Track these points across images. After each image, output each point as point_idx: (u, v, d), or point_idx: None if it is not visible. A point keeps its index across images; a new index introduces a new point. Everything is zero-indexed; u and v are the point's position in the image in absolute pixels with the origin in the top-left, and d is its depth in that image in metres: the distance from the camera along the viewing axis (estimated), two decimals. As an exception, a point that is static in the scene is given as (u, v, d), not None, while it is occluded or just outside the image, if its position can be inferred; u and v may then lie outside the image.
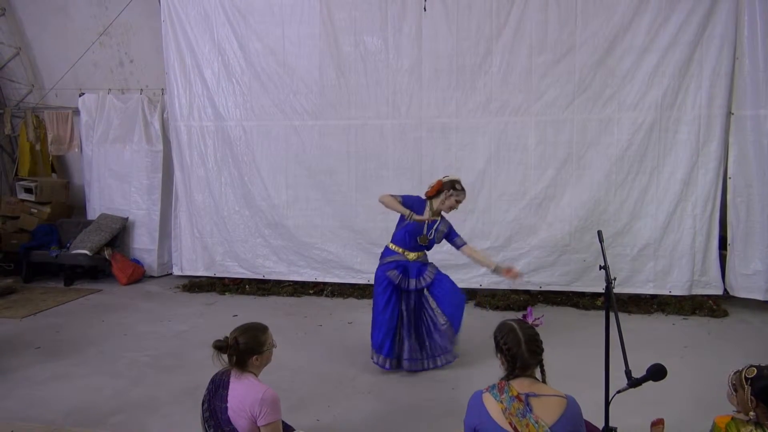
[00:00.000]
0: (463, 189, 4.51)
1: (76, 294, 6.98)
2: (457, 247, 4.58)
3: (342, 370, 4.63)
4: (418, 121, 6.43)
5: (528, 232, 6.26)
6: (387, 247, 4.63)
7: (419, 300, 4.54)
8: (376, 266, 4.63)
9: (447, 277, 4.62)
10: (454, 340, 4.57)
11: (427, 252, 4.67)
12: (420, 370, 4.54)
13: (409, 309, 4.53)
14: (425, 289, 4.52)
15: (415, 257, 4.54)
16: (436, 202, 4.51)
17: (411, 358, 4.51)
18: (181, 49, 6.99)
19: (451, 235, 4.58)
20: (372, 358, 4.56)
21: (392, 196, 4.53)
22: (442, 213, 4.57)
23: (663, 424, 2.86)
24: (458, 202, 4.49)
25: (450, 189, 4.46)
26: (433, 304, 4.50)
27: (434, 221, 4.51)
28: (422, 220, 4.44)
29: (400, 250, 4.55)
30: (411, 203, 4.50)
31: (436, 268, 4.64)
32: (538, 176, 6.20)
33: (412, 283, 4.49)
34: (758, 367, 2.40)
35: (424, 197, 4.56)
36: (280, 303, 6.57)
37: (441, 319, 4.47)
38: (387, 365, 4.50)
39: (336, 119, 6.64)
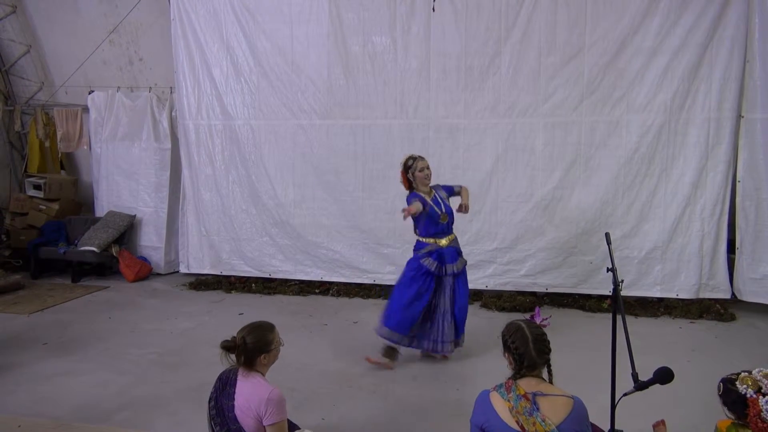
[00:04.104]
0: (412, 157, 4.63)
1: (84, 291, 7.01)
2: (458, 194, 4.76)
3: (347, 369, 4.63)
4: (425, 121, 6.42)
5: (535, 233, 6.24)
6: (418, 241, 4.70)
7: (447, 285, 4.61)
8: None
9: (465, 283, 4.70)
10: (453, 340, 4.62)
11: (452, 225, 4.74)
12: (418, 348, 4.69)
13: (434, 294, 4.62)
14: (453, 277, 4.61)
15: (447, 242, 4.63)
16: (418, 186, 4.63)
17: (419, 336, 4.63)
18: (190, 48, 7.01)
19: (448, 191, 4.74)
20: (382, 334, 4.63)
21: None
22: (431, 186, 4.68)
23: (664, 424, 2.85)
24: (423, 169, 4.58)
25: (409, 170, 4.61)
26: (450, 297, 4.60)
27: (434, 198, 4.63)
28: (416, 210, 4.48)
29: (431, 240, 4.62)
30: (410, 201, 4.63)
31: (465, 263, 4.74)
32: (546, 178, 6.18)
33: (450, 268, 4.58)
34: (723, 381, 2.36)
35: (409, 191, 4.66)
36: (286, 302, 6.58)
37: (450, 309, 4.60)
38: (405, 343, 4.63)
39: (343, 119, 6.65)
